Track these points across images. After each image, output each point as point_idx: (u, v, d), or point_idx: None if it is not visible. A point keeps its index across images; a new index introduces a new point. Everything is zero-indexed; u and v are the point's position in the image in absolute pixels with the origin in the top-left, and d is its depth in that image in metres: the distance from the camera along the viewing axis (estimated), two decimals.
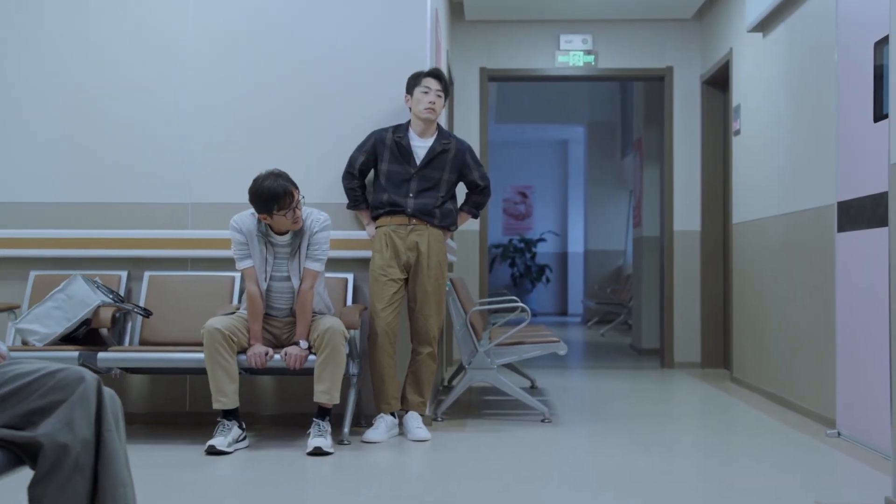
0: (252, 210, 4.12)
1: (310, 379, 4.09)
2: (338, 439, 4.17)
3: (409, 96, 4.48)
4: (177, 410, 4.70)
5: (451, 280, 4.84)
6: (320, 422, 4.03)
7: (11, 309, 4.45)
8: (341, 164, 4.57)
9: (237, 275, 4.56)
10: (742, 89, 6.38)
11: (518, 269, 14.79)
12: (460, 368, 5.66)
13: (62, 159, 4.73)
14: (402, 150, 4.45)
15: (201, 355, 4.03)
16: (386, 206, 4.44)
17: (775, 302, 5.55)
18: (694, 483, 3.66)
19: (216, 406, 4.02)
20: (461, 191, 4.63)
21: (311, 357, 4.07)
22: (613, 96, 12.61)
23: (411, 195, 4.43)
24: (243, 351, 4.09)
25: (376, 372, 4.39)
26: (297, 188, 4.07)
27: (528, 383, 6.12)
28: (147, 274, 4.63)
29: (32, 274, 4.60)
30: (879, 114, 3.77)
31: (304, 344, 4.09)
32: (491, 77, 7.70)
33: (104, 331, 4.28)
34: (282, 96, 4.72)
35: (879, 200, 3.75)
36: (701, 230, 7.39)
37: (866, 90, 3.90)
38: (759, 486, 3.50)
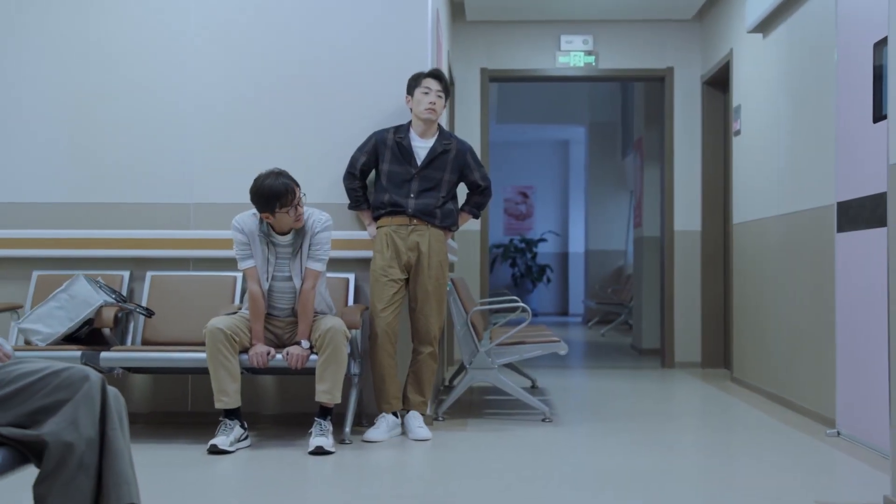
0: (254, 210, 4.13)
1: (311, 379, 4.10)
2: (339, 439, 4.18)
3: (409, 97, 4.49)
4: (179, 410, 4.72)
5: (451, 280, 4.85)
6: (322, 421, 4.04)
7: (14, 309, 4.46)
8: (342, 164, 4.58)
9: (239, 275, 4.57)
10: (742, 90, 6.39)
11: (519, 269, 14.79)
12: (461, 368, 5.67)
13: (64, 160, 4.75)
14: (403, 151, 4.46)
15: (203, 355, 4.04)
16: (387, 206, 4.45)
17: (775, 302, 5.56)
18: (694, 483, 3.66)
19: (218, 405, 4.04)
20: (462, 191, 4.64)
21: (313, 357, 4.08)
22: (614, 97, 12.61)
23: (412, 195, 4.44)
24: (245, 350, 4.10)
25: (377, 372, 4.40)
26: (298, 185, 4.09)
27: (528, 383, 6.12)
28: (149, 274, 4.65)
29: (35, 274, 4.62)
30: (879, 114, 3.77)
31: (305, 344, 4.10)
32: (492, 77, 7.70)
33: (106, 330, 4.30)
34: (283, 96, 4.73)
35: (879, 201, 3.76)
36: (701, 230, 7.39)
37: (866, 91, 3.90)
38: (759, 485, 3.50)
